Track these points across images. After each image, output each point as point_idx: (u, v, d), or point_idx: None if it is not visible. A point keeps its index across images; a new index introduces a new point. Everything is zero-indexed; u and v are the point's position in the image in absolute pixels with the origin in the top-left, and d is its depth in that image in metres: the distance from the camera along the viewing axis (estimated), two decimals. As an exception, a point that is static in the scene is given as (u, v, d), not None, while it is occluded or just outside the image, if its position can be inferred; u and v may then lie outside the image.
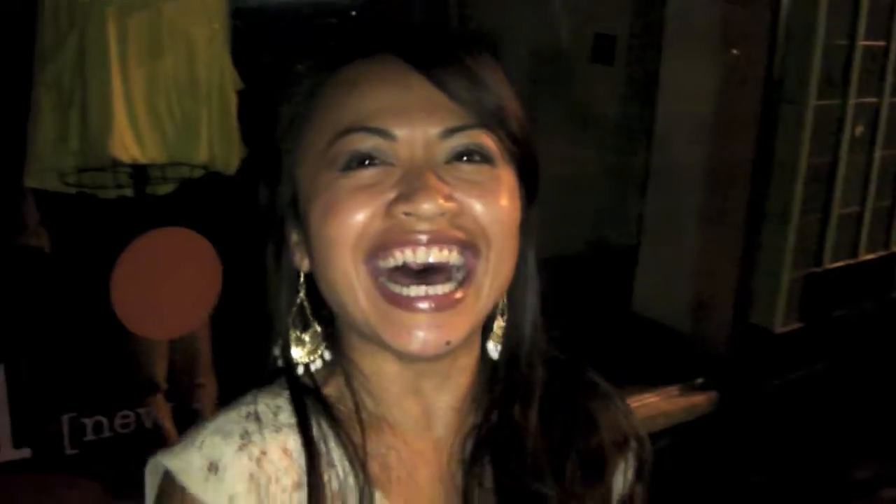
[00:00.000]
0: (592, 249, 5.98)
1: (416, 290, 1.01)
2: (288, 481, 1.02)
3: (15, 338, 3.78)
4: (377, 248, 1.00)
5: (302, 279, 1.11)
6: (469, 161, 1.03)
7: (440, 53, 1.04)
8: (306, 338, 1.11)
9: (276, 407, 1.07)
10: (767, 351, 5.16)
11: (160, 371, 3.85)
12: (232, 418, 1.05)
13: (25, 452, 3.83)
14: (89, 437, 3.91)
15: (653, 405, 4.72)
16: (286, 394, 1.08)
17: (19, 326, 3.79)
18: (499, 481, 1.10)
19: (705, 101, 4.99)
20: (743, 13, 4.83)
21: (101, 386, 3.92)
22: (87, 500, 3.68)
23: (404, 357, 1.04)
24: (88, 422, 3.90)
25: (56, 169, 3.49)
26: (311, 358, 1.11)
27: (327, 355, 1.12)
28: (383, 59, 1.05)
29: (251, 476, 1.00)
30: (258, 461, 1.01)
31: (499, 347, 1.14)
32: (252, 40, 3.91)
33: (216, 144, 3.60)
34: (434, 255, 1.00)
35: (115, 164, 3.47)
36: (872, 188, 5.67)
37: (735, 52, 4.87)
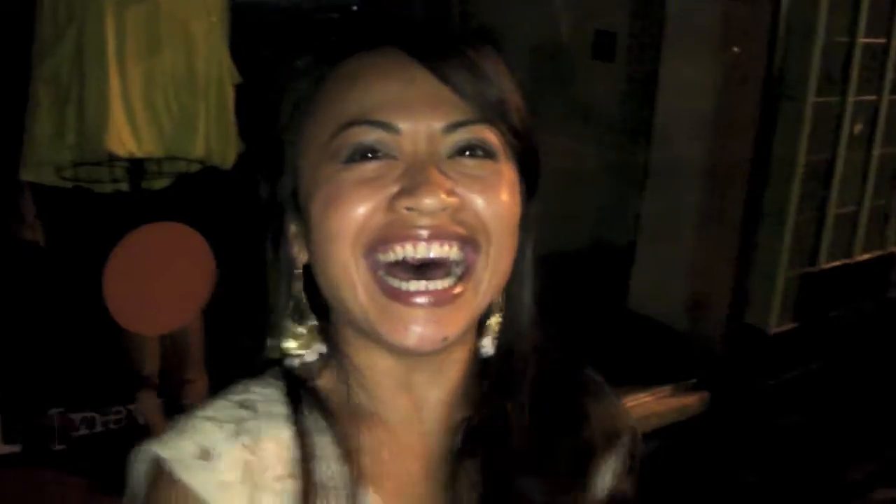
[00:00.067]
0: (590, 247, 5.98)
1: (415, 285, 1.00)
2: (280, 471, 1.01)
3: (6, 332, 3.77)
4: (377, 241, 1.00)
5: (299, 271, 1.10)
6: (471, 156, 1.02)
7: (443, 46, 1.04)
8: (302, 330, 1.10)
9: (267, 396, 1.06)
10: (762, 351, 5.16)
11: (151, 367, 3.85)
12: (224, 406, 1.04)
13: (15, 447, 3.82)
14: (79, 432, 3.89)
15: (645, 405, 4.72)
16: (279, 384, 1.08)
17: (11, 320, 3.78)
18: (484, 476, 1.09)
19: (705, 100, 4.98)
20: (743, 10, 4.82)
21: (92, 381, 3.91)
22: (76, 496, 3.67)
23: (401, 352, 1.04)
24: (78, 417, 3.88)
25: (53, 163, 3.50)
26: (306, 350, 1.10)
27: (322, 348, 1.11)
28: (386, 53, 1.04)
29: (244, 463, 1.00)
30: (251, 449, 1.01)
31: (495, 343, 1.14)
32: (250, 35, 3.90)
33: (213, 139, 3.60)
34: (434, 251, 1.00)
35: (112, 159, 3.48)
36: (870, 187, 5.67)
37: (735, 49, 4.86)
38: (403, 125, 1.00)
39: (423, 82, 1.02)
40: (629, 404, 4.39)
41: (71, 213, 3.84)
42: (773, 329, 5.23)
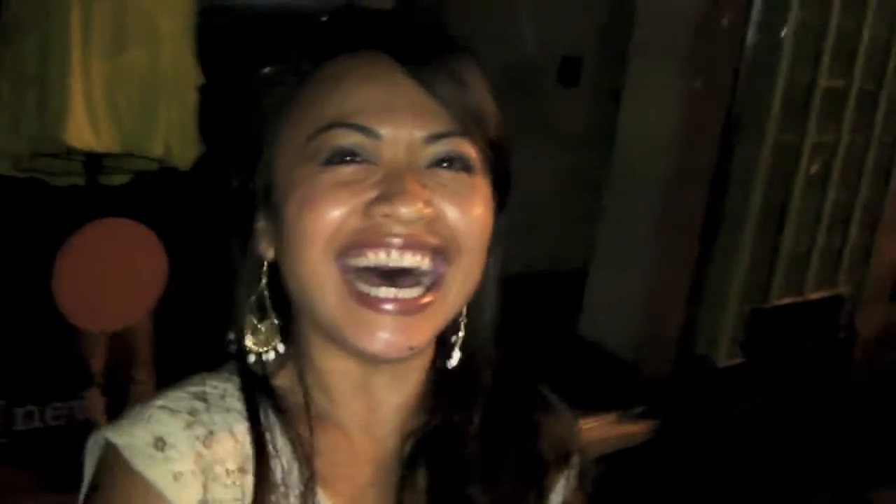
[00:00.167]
0: (542, 271, 5.99)
1: (384, 292, 1.00)
2: (233, 465, 1.01)
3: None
4: (350, 246, 0.99)
5: (265, 268, 1.09)
6: (449, 168, 1.03)
7: (427, 53, 1.04)
8: (262, 328, 1.09)
9: (223, 390, 1.06)
10: (710, 383, 5.19)
11: (97, 364, 3.80)
12: (179, 396, 1.03)
13: (-44, 440, 3.76)
14: (19, 426, 3.84)
15: (590, 431, 4.73)
16: (235, 380, 1.07)
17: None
18: (433, 484, 1.10)
19: (665, 132, 5.02)
20: (708, 46, 4.87)
21: (35, 375, 3.86)
22: (15, 490, 3.61)
23: (366, 357, 1.03)
24: (20, 411, 3.83)
25: (10, 153, 3.45)
26: (265, 348, 1.09)
27: (281, 348, 1.10)
28: (369, 56, 1.04)
29: (198, 455, 0.99)
30: (204, 441, 1.00)
31: (458, 356, 1.14)
32: (216, 38, 3.88)
33: (173, 138, 3.58)
34: (407, 260, 1.00)
35: (70, 152, 3.44)
36: (823, 227, 5.74)
37: (697, 85, 4.91)
38: (384, 131, 1.00)
39: (407, 89, 1.02)
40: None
41: (23, 205, 3.79)
42: (723, 362, 5.27)
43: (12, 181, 3.57)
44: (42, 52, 3.32)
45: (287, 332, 1.11)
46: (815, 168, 5.51)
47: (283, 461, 1.03)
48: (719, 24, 4.87)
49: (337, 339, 1.03)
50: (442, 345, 1.14)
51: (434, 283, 1.02)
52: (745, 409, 5.12)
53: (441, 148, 1.02)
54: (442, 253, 1.02)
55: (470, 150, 1.03)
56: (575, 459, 1.22)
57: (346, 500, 1.07)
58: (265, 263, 1.09)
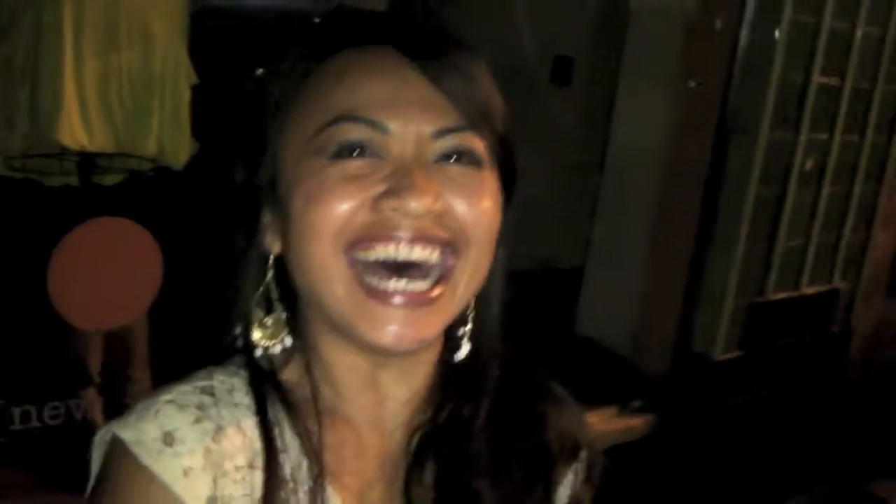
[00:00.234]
0: (540, 269, 5.99)
1: (394, 285, 1.00)
2: (242, 460, 1.00)
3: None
4: (359, 239, 0.99)
5: (271, 262, 1.09)
6: (457, 162, 1.02)
7: (435, 48, 1.04)
8: (269, 321, 1.09)
9: (231, 385, 1.05)
10: (707, 377, 5.20)
11: (94, 364, 3.80)
12: (186, 391, 1.02)
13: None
14: (17, 426, 3.83)
15: (590, 425, 4.73)
16: (242, 374, 1.07)
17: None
18: (438, 477, 1.09)
19: (659, 129, 5.03)
20: (702, 46, 4.88)
21: (32, 375, 3.85)
22: (13, 489, 3.61)
23: (375, 350, 1.03)
24: (17, 410, 3.82)
25: (3, 152, 3.44)
26: (272, 342, 1.09)
27: (288, 341, 1.10)
28: (376, 51, 1.03)
29: (207, 450, 0.98)
30: (213, 436, 0.99)
31: (466, 349, 1.13)
32: (209, 38, 3.87)
33: (166, 138, 3.58)
34: (416, 254, 1.00)
35: (63, 151, 3.43)
36: (818, 223, 5.75)
37: (692, 83, 4.92)
38: (393, 126, 1.00)
39: (415, 84, 1.01)
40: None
41: (18, 205, 3.79)
42: (720, 356, 5.28)
43: (6, 181, 3.56)
44: (34, 51, 3.31)
45: (294, 324, 1.11)
46: (809, 164, 5.52)
47: (292, 456, 1.03)
48: (713, 23, 4.88)
49: (346, 333, 1.03)
50: (449, 338, 1.13)
51: (443, 277, 1.02)
52: (741, 402, 5.13)
53: (449, 142, 1.02)
54: (451, 246, 1.01)
55: (478, 145, 1.03)
56: (583, 453, 1.22)
57: (354, 494, 1.07)
58: (271, 257, 1.09)
